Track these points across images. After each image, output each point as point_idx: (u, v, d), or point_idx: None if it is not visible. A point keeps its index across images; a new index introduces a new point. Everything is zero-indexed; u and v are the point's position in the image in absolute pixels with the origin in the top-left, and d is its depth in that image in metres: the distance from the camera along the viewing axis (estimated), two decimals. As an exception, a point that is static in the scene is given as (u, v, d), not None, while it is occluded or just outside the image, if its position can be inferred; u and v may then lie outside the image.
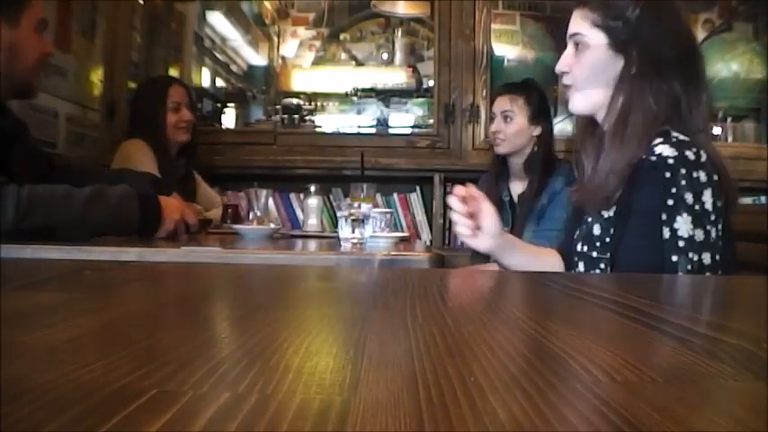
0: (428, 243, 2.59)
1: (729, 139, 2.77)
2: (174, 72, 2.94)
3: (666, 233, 1.02)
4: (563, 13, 2.79)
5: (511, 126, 2.03)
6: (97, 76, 2.62)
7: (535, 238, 1.91)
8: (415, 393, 0.26)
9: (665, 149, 1.03)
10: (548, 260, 1.27)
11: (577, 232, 1.20)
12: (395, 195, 2.71)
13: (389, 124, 3.06)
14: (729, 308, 0.65)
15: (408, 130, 2.98)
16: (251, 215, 1.81)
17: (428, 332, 0.39)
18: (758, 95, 2.75)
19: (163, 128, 2.13)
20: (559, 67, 1.19)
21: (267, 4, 3.29)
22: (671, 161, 1.02)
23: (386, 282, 0.73)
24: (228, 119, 3.17)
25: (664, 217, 1.02)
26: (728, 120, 2.81)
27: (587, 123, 1.21)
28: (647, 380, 0.30)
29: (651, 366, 0.33)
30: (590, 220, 1.16)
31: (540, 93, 2.10)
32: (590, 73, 1.14)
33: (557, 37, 2.86)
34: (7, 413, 0.22)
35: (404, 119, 3.09)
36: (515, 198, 2.08)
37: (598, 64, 1.13)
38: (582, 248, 1.17)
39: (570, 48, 1.18)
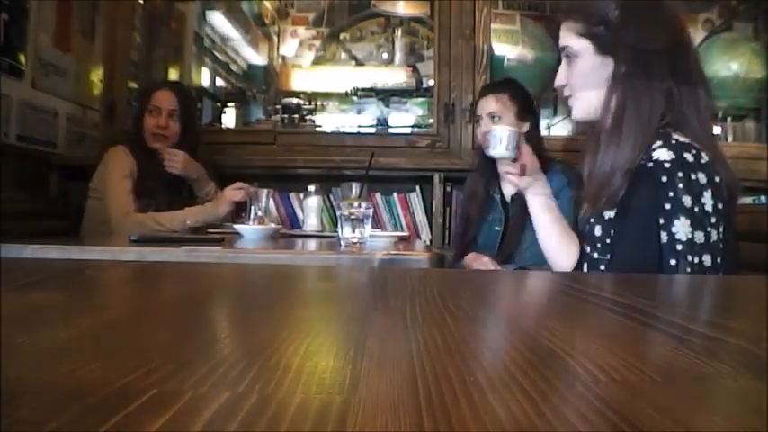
0: (428, 243, 2.58)
1: (729, 139, 2.77)
2: (173, 72, 2.94)
3: (664, 237, 1.02)
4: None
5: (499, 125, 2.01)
6: (97, 75, 2.62)
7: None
8: (414, 393, 0.26)
9: (662, 154, 1.04)
10: (566, 243, 1.27)
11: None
12: (395, 195, 2.71)
13: (389, 124, 3.06)
14: (729, 308, 0.65)
15: (408, 130, 2.98)
16: (251, 215, 1.81)
17: (428, 332, 0.39)
18: (758, 95, 2.74)
19: (141, 132, 2.11)
20: (557, 82, 1.23)
21: (267, 4, 3.29)
22: (667, 165, 1.03)
23: (386, 282, 0.73)
24: (228, 119, 3.18)
25: (661, 221, 1.02)
26: (729, 119, 2.80)
27: (590, 128, 1.23)
28: (646, 380, 0.30)
29: (651, 366, 0.33)
30: (592, 221, 1.16)
31: (524, 90, 2.07)
32: (583, 80, 1.18)
33: (557, 37, 2.85)
34: (7, 413, 0.22)
35: (404, 118, 3.09)
36: (507, 198, 2.07)
37: (588, 70, 1.17)
38: (585, 249, 1.18)
39: (563, 61, 1.22)
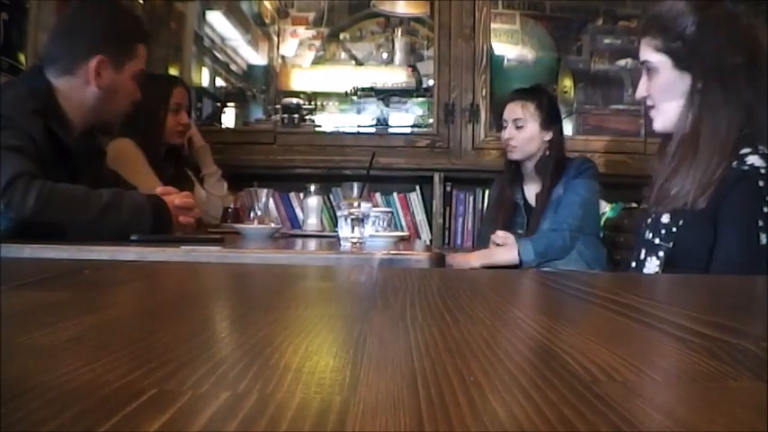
0: (428, 242, 2.59)
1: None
2: (173, 72, 2.94)
3: (764, 239, 1.07)
4: (563, 13, 2.80)
5: (523, 133, 2.03)
6: (97, 75, 2.61)
7: (554, 223, 1.95)
8: (415, 393, 0.26)
9: (755, 160, 1.10)
10: None
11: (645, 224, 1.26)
12: (395, 195, 2.71)
13: (389, 124, 3.06)
14: (729, 307, 0.65)
15: (408, 130, 2.98)
16: (251, 215, 1.81)
17: (428, 332, 0.39)
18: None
19: (159, 127, 2.11)
20: (638, 94, 1.31)
21: (267, 4, 3.29)
22: (763, 170, 1.09)
23: (386, 282, 0.73)
24: (228, 118, 3.17)
25: (760, 223, 1.07)
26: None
27: (665, 138, 1.29)
28: (647, 380, 0.30)
29: (651, 366, 0.33)
30: (660, 209, 1.21)
31: (550, 98, 2.12)
32: (662, 93, 1.25)
33: (557, 37, 2.86)
34: (7, 413, 0.22)
35: (404, 118, 3.09)
36: (531, 200, 2.09)
37: (667, 84, 1.24)
38: (647, 236, 1.22)
39: (644, 74, 1.28)
